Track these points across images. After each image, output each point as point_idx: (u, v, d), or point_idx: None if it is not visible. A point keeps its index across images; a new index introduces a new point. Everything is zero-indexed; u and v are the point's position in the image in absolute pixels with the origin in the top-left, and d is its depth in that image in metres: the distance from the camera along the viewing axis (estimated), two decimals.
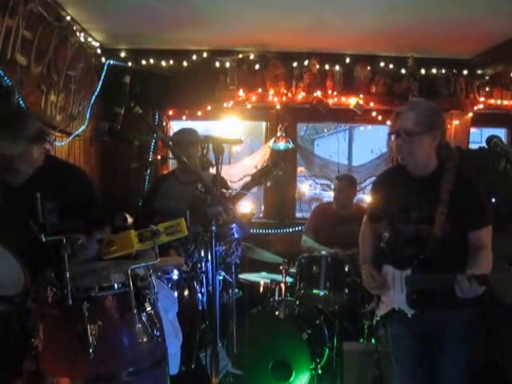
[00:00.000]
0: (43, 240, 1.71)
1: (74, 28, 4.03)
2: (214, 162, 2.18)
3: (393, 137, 2.38)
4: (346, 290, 3.72)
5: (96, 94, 4.63)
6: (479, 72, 5.17)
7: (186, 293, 2.85)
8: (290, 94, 5.08)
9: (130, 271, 1.81)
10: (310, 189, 10.47)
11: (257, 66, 5.09)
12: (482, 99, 5.19)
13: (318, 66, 5.07)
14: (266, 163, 3.24)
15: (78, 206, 2.39)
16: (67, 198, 2.37)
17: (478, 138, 6.38)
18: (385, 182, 2.62)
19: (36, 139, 2.39)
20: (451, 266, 2.20)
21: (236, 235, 2.84)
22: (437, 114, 2.37)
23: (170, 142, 3.22)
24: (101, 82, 4.70)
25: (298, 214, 5.64)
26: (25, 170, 2.39)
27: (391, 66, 5.16)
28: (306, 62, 5.07)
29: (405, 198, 2.39)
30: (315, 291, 3.74)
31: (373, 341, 3.51)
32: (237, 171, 5.37)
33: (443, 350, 2.33)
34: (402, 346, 2.46)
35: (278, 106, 5.13)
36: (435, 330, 2.35)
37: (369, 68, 5.14)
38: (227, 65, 5.04)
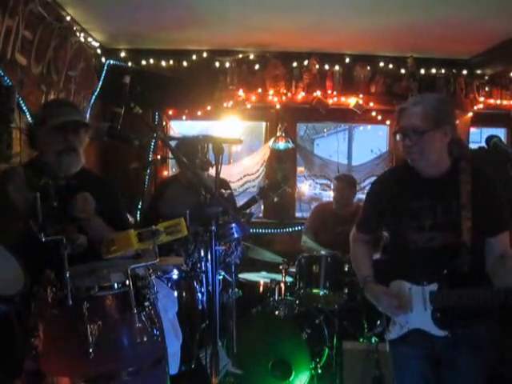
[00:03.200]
0: (43, 240, 1.71)
1: (74, 28, 4.03)
2: (213, 162, 2.18)
3: (398, 136, 2.10)
4: (346, 290, 3.73)
5: (96, 94, 4.64)
6: (479, 72, 5.18)
7: (186, 292, 2.86)
8: (289, 94, 5.09)
9: (129, 271, 1.81)
10: (309, 189, 10.48)
11: (256, 66, 5.09)
12: (481, 99, 5.19)
13: (317, 66, 5.08)
14: (276, 179, 3.25)
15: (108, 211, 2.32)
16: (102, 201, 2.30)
17: (477, 137, 6.40)
18: (387, 185, 2.27)
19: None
20: (478, 277, 2.02)
21: (236, 235, 2.85)
22: (446, 106, 2.11)
23: (171, 142, 3.23)
24: (101, 82, 4.70)
25: (298, 214, 5.65)
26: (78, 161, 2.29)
27: (391, 65, 5.16)
28: (305, 62, 5.08)
29: (415, 203, 2.11)
30: (315, 291, 3.75)
31: (372, 340, 3.51)
32: (237, 171, 5.38)
33: (456, 367, 2.08)
34: (410, 369, 2.15)
35: (278, 106, 5.14)
36: (448, 348, 2.08)
37: (368, 68, 5.14)
38: (227, 65, 5.04)
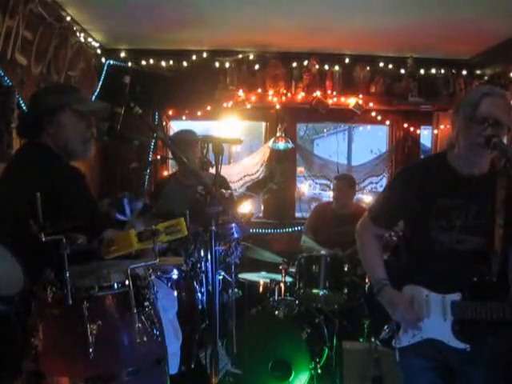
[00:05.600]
0: (43, 240, 1.71)
1: (74, 28, 4.04)
2: (213, 162, 2.18)
3: (477, 122, 1.91)
4: (346, 290, 3.73)
5: (96, 93, 4.64)
6: (478, 72, 5.17)
7: (186, 292, 2.86)
8: (289, 94, 5.08)
9: (129, 271, 1.81)
10: (309, 189, 10.51)
11: (256, 66, 5.09)
12: None
13: (317, 66, 5.07)
14: (262, 176, 3.31)
15: None
16: None
17: None
18: (416, 176, 2.07)
19: None
20: (504, 288, 1.90)
21: (235, 235, 2.85)
22: None
23: (170, 142, 3.25)
24: (101, 82, 4.71)
25: (298, 214, 5.65)
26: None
27: (390, 66, 5.16)
28: (305, 62, 5.07)
29: (446, 200, 1.97)
30: (315, 291, 3.75)
31: (372, 340, 3.51)
32: (236, 171, 5.38)
33: (470, 381, 1.97)
34: (422, 380, 2.04)
35: (278, 106, 5.14)
36: (462, 361, 1.96)
37: (368, 68, 5.14)
38: (227, 65, 5.04)
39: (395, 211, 2.13)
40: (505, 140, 1.94)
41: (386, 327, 2.06)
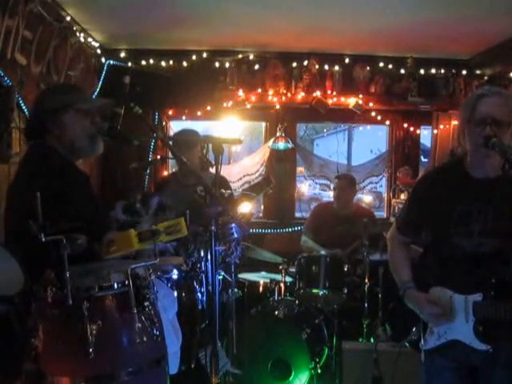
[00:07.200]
0: (43, 240, 1.71)
1: (74, 28, 4.04)
2: (213, 162, 2.18)
3: (473, 126, 1.93)
4: (346, 290, 3.74)
5: (96, 93, 4.64)
6: (478, 72, 5.18)
7: (186, 292, 2.86)
8: (289, 94, 5.09)
9: (129, 271, 1.81)
10: (309, 189, 10.51)
11: (256, 66, 5.09)
12: None
13: (317, 66, 5.08)
14: (258, 180, 3.35)
15: None
16: None
17: None
18: (433, 184, 2.12)
19: None
20: None
21: (235, 235, 2.85)
22: None
23: (170, 142, 3.26)
24: (101, 82, 4.71)
25: (298, 214, 5.65)
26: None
27: (390, 66, 5.16)
28: (305, 62, 5.08)
29: (464, 206, 1.99)
30: (314, 291, 3.75)
31: (372, 340, 3.52)
32: (236, 171, 5.38)
33: (493, 381, 1.96)
34: (444, 380, 2.06)
35: (278, 106, 5.14)
36: (487, 362, 1.95)
37: (368, 68, 5.15)
38: (227, 65, 5.04)
39: (417, 219, 2.17)
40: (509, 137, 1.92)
41: (414, 329, 2.10)
